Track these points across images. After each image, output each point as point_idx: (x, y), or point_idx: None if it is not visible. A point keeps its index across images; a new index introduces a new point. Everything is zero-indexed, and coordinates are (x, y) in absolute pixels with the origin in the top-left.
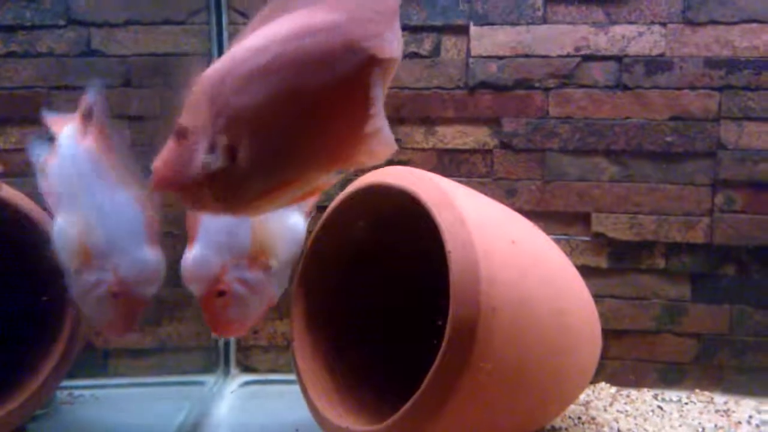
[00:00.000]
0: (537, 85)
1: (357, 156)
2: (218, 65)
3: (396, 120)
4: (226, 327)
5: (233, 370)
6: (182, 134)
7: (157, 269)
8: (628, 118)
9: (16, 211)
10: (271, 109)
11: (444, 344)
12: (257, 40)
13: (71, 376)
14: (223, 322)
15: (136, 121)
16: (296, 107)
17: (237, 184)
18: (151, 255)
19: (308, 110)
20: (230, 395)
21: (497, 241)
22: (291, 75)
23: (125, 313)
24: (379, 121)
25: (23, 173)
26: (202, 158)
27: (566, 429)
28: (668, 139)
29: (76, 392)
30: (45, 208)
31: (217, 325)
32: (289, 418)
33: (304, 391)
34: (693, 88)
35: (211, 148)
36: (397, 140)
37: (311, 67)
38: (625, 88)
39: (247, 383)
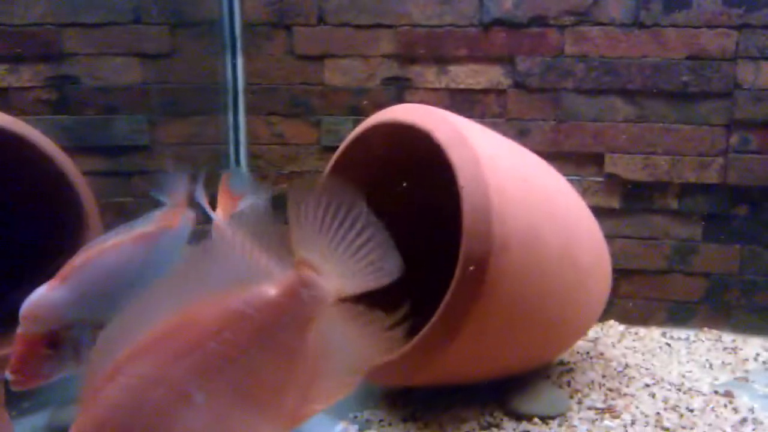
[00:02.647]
0: (552, 22)
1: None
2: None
3: (407, 59)
4: None
5: None
6: None
7: None
8: (644, 57)
9: (29, 145)
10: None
11: (456, 278)
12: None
13: None
14: None
15: (147, 58)
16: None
17: None
18: None
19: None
20: None
21: (510, 178)
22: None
23: None
24: (324, 362)
25: (36, 111)
26: None
27: (575, 363)
28: (684, 78)
29: None
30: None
31: None
32: None
33: None
34: (711, 26)
35: None
36: (408, 80)
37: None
38: (642, 26)
39: None
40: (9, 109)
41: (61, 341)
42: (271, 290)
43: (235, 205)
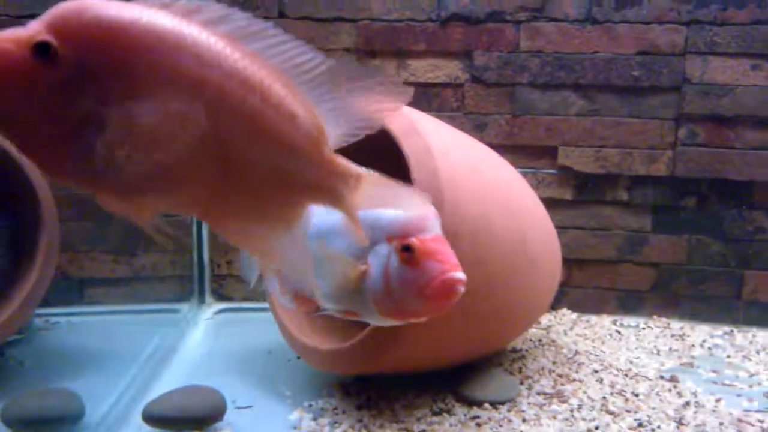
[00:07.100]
0: (508, 18)
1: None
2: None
3: (367, 53)
4: None
5: (208, 298)
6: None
7: None
8: (596, 52)
9: None
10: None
11: None
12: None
13: (48, 303)
14: None
15: None
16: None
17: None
18: None
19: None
20: (204, 322)
21: (462, 168)
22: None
23: None
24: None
25: None
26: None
27: (527, 350)
28: (635, 73)
29: (53, 319)
30: None
31: None
32: (261, 342)
33: (276, 316)
34: (661, 22)
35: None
36: None
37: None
38: (595, 22)
39: (221, 311)
40: None
41: None
42: None
43: None
